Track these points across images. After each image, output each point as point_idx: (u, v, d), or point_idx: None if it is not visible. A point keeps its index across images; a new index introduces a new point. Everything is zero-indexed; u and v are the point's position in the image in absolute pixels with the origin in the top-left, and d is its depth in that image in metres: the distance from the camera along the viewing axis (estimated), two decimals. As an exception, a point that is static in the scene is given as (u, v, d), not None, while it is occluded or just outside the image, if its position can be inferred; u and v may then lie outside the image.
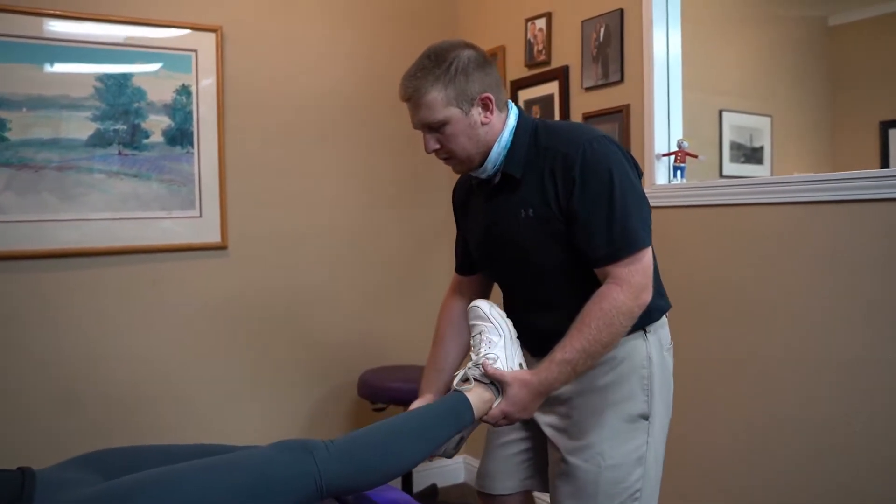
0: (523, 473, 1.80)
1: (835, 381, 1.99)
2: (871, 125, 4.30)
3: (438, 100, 1.54)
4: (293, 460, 1.35)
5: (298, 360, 3.13)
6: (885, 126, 4.26)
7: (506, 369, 1.56)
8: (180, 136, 2.87)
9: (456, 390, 1.56)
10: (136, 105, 2.79)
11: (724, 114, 3.93)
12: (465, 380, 1.57)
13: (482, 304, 1.64)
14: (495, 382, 1.55)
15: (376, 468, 1.43)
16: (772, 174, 4.07)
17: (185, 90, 2.87)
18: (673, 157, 2.46)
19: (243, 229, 2.99)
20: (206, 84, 2.90)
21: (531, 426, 1.75)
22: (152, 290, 2.82)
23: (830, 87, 4.47)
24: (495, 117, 1.59)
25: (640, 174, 1.62)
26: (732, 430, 2.26)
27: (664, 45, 2.49)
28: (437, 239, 3.48)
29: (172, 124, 2.85)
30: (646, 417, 1.61)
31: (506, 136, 1.61)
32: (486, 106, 1.57)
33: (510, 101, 1.67)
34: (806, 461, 2.05)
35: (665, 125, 2.51)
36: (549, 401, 1.62)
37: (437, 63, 1.54)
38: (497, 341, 1.58)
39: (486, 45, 3.24)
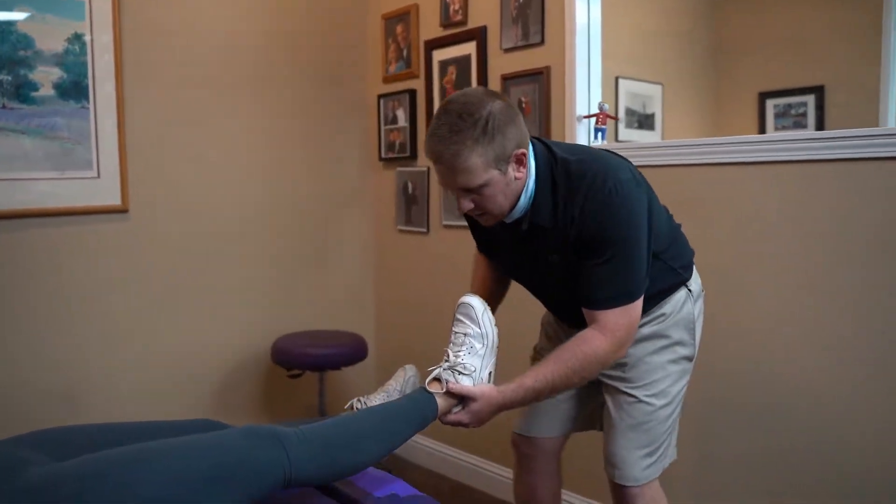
0: (567, 415, 1.91)
1: (744, 325, 2.12)
2: (751, 95, 4.56)
3: (479, 165, 1.48)
4: (265, 450, 1.33)
5: (209, 328, 2.99)
6: (763, 96, 4.53)
7: (475, 381, 1.59)
8: (74, 90, 2.64)
9: (425, 390, 1.59)
10: (21, 54, 2.54)
11: (620, 80, 4.06)
12: (437, 380, 1.60)
13: (476, 306, 1.65)
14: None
15: (344, 463, 1.43)
16: (662, 139, 4.25)
17: (77, 39, 2.63)
18: (594, 119, 2.51)
19: (146, 191, 2.81)
20: (102, 33, 2.67)
21: None
22: (46, 258, 2.60)
23: (716, 58, 4.69)
24: (526, 169, 1.58)
25: (652, 195, 1.65)
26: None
27: (585, 9, 2.52)
28: (349, 203, 3.42)
29: (65, 76, 2.61)
30: (690, 359, 1.79)
31: (531, 184, 1.59)
32: (520, 161, 1.55)
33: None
34: (733, 411, 2.18)
35: (586, 88, 2.55)
36: None
37: (472, 123, 1.47)
38: (479, 349, 1.62)
39: (398, 4, 3.18)
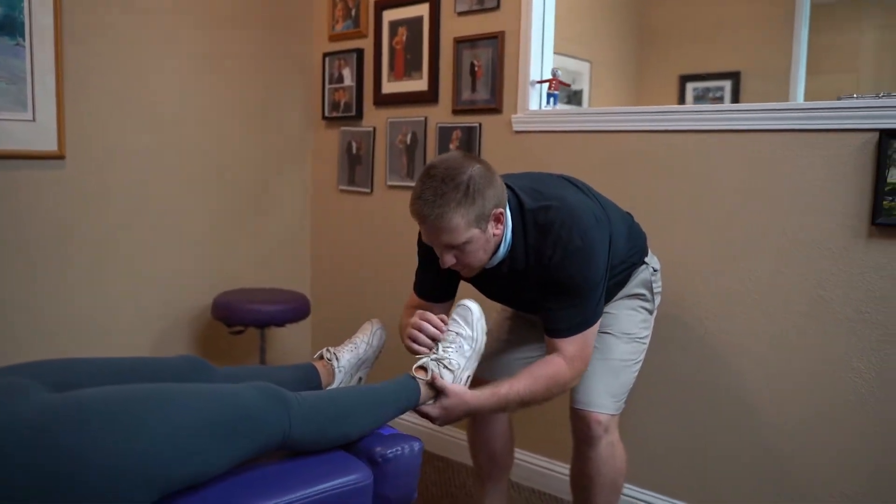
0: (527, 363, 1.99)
1: (697, 284, 2.26)
2: (672, 77, 4.77)
3: (462, 225, 1.62)
4: (274, 409, 1.37)
5: (145, 281, 2.91)
6: (684, 79, 4.75)
7: (455, 379, 1.68)
8: (8, 25, 2.49)
9: (411, 377, 1.65)
10: (-50, -17, 2.39)
11: (554, 56, 4.17)
12: (423, 368, 1.66)
13: (474, 311, 1.75)
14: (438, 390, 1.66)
15: (333, 435, 1.49)
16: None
17: (13, -29, 2.50)
18: (547, 84, 2.59)
19: (84, 137, 2.69)
20: (41, -33, 2.54)
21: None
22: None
23: (641, 40, 4.88)
24: (503, 225, 1.73)
25: (612, 223, 1.83)
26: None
27: (541, -26, 2.59)
28: (289, 161, 3.39)
29: (-2, 10, 2.48)
30: (650, 312, 2.03)
31: (508, 235, 1.76)
32: (497, 219, 1.70)
33: None
34: (682, 372, 2.33)
35: (539, 53, 2.62)
36: None
37: (454, 187, 1.61)
38: (466, 351, 1.71)
39: (350, -39, 3.15)
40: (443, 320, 1.75)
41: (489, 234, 1.69)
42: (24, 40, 2.53)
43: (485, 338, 1.76)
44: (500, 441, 2.19)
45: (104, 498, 1.13)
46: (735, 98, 4.50)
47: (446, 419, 1.67)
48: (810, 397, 2.08)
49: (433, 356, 1.67)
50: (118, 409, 1.20)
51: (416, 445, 1.54)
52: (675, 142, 2.29)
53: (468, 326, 1.72)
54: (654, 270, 2.05)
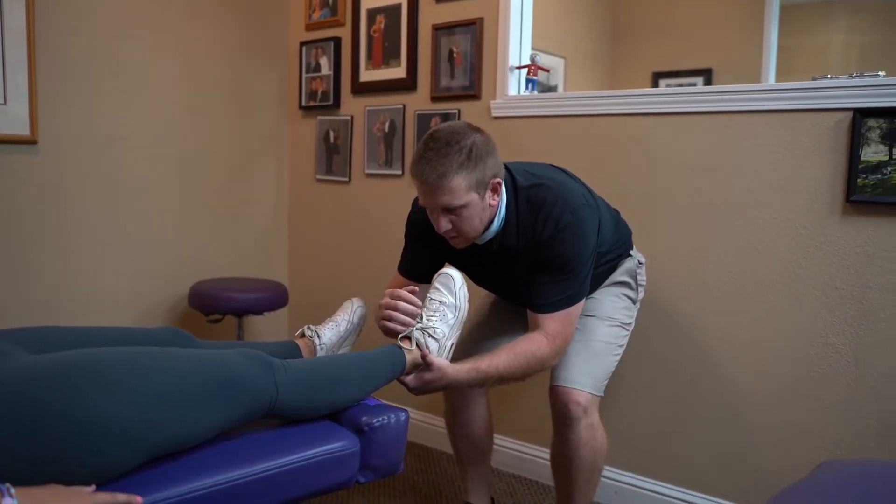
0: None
1: (676, 264, 2.29)
2: (645, 74, 4.83)
3: (462, 187, 1.65)
4: (258, 373, 1.35)
5: (121, 269, 2.87)
6: (657, 76, 4.81)
7: (439, 347, 1.69)
8: (-21, 6, 2.46)
9: (397, 346, 1.64)
10: (-80, -38, 2.34)
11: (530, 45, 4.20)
12: (408, 337, 1.66)
13: (456, 278, 1.76)
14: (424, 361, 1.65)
15: (321, 402, 1.49)
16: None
17: (-16, -50, 2.45)
18: (526, 69, 2.61)
19: (58, 122, 2.65)
20: (14, -53, 2.50)
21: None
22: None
23: (614, 37, 4.94)
24: (500, 197, 1.76)
25: (601, 208, 1.88)
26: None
27: (519, -39, 2.61)
28: (266, 151, 3.37)
29: (-31, -10, 2.43)
30: (634, 301, 2.05)
31: (503, 210, 1.78)
32: (495, 189, 1.73)
33: None
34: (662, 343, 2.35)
35: (518, 39, 2.64)
36: None
37: (457, 150, 1.64)
38: (450, 319, 1.72)
39: (328, -51, 3.15)
40: (412, 292, 1.75)
41: (486, 202, 1.71)
42: (-5, 22, 2.49)
43: (467, 305, 1.77)
44: (479, 425, 2.18)
45: (89, 454, 1.11)
46: (707, 95, 4.56)
47: (423, 390, 1.67)
48: (787, 373, 2.11)
49: (418, 325, 1.67)
50: (103, 369, 1.19)
51: (402, 415, 1.54)
52: (650, 124, 2.32)
53: (451, 294, 1.72)
54: (640, 263, 2.09)
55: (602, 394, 1.91)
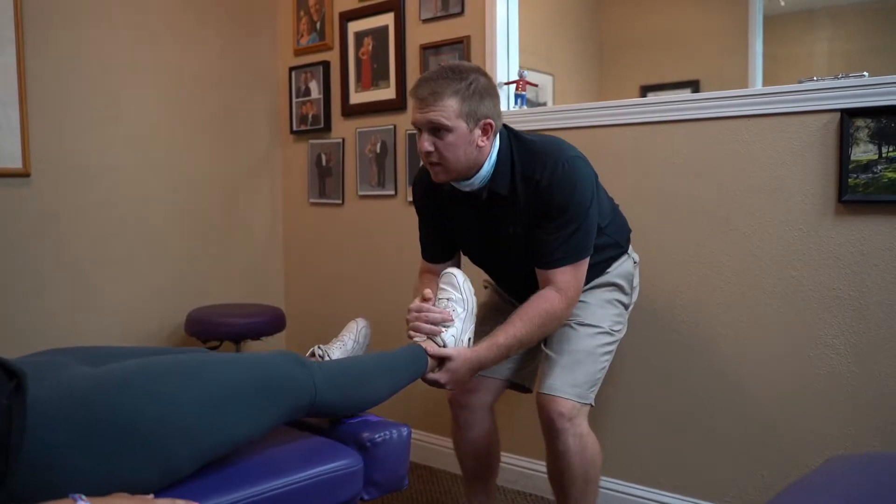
0: (513, 365, 2.03)
1: (672, 271, 2.29)
2: (633, 88, 4.86)
3: (452, 108, 1.68)
4: (297, 372, 1.40)
5: (117, 299, 2.86)
6: (645, 89, 4.85)
7: (456, 341, 1.74)
8: (-30, 42, 2.47)
9: (418, 344, 1.70)
10: None
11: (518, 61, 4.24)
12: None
13: (458, 275, 1.81)
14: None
15: (355, 399, 1.53)
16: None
17: (-27, -13, 2.47)
18: (514, 85, 2.63)
19: (50, 155, 2.66)
20: (2, -17, 2.52)
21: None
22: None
23: (601, 52, 4.98)
24: (489, 143, 1.78)
25: (596, 176, 1.88)
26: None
27: (504, -22, 2.64)
28: (258, 175, 3.37)
29: (-41, 26, 2.45)
30: (626, 306, 2.02)
31: (493, 157, 1.80)
32: (485, 130, 1.75)
33: None
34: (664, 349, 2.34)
35: (505, 56, 2.66)
36: None
37: (459, 78, 1.70)
38: (461, 313, 1.76)
39: (314, -26, 3.18)
40: (426, 299, 1.79)
41: (474, 137, 1.73)
42: (-15, 56, 2.50)
43: (475, 298, 1.81)
44: (485, 441, 2.15)
45: (153, 458, 1.16)
46: (695, 106, 4.60)
47: (456, 381, 1.72)
48: (787, 377, 2.10)
49: None
50: (163, 375, 1.24)
51: (405, 430, 1.53)
52: (640, 134, 2.33)
53: (456, 290, 1.77)
54: (635, 262, 2.08)
55: (590, 402, 1.87)
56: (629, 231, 2.09)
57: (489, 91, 1.74)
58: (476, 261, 2.07)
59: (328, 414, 1.49)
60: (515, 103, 2.65)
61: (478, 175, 1.79)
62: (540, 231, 1.79)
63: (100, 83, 2.80)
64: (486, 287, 2.21)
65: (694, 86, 4.64)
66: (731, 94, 2.15)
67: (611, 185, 2.36)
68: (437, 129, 1.70)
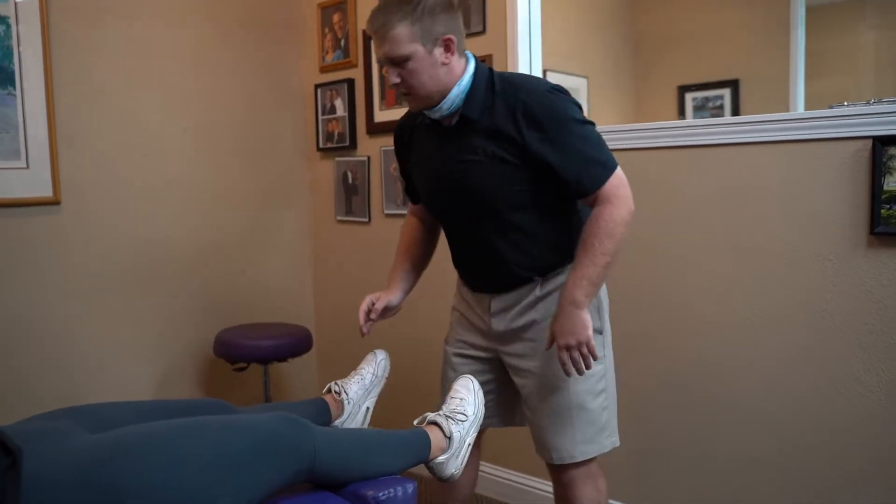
0: (487, 413, 1.88)
1: (705, 301, 2.22)
2: (670, 89, 4.74)
3: (404, 35, 1.60)
4: (298, 436, 1.39)
5: (146, 322, 2.91)
6: (682, 90, 4.72)
7: (468, 427, 1.70)
8: (-1, 76, 2.52)
9: (424, 430, 1.66)
10: (-60, 37, 2.41)
11: (548, 73, 4.16)
12: (435, 423, 1.68)
13: (476, 387, 1.77)
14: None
15: (357, 467, 1.51)
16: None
17: (2, 22, 2.52)
18: (537, 105, 2.57)
19: (79, 182, 2.70)
20: (28, 16, 2.55)
21: (493, 368, 1.89)
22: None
23: (637, 52, 4.86)
24: (455, 60, 1.67)
25: None
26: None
27: (526, -2, 2.59)
28: (286, 194, 3.39)
29: (-12, 62, 2.50)
30: (600, 332, 1.79)
31: (465, 80, 1.69)
32: (447, 47, 1.65)
33: (468, 51, 1.74)
34: (701, 373, 2.29)
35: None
36: (514, 332, 1.79)
37: (406, 2, 1.61)
38: (470, 417, 1.71)
39: (337, -8, 3.17)
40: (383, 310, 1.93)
41: (435, 58, 1.64)
42: (14, 89, 2.55)
43: (483, 409, 1.77)
44: (470, 487, 2.08)
45: None
46: (735, 106, 4.47)
47: (571, 333, 1.63)
48: (817, 414, 2.03)
49: (441, 412, 1.70)
50: (158, 441, 1.24)
51: (410, 487, 1.51)
52: (672, 158, 2.26)
53: (471, 395, 1.74)
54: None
55: (603, 447, 1.80)
56: None
57: (443, 7, 1.64)
58: (429, 204, 1.93)
59: (325, 480, 1.47)
60: (538, 124, 2.60)
61: (448, 99, 1.67)
62: (556, 164, 1.62)
63: (126, 108, 2.83)
64: (453, 311, 2.03)
65: (733, 85, 4.50)
66: (761, 119, 2.07)
67: (639, 210, 2.31)
68: (397, 61, 1.63)
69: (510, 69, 2.59)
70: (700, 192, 2.22)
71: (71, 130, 2.67)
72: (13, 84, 2.54)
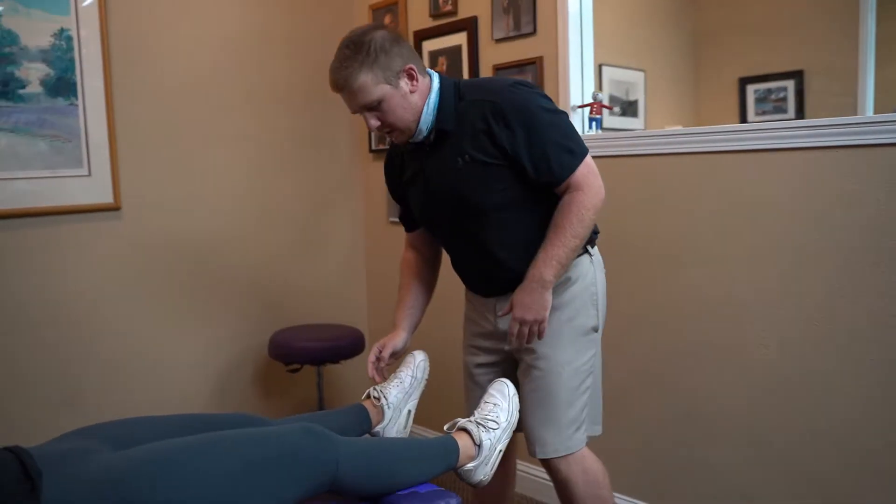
0: None
1: (744, 311, 2.16)
2: (731, 81, 4.61)
3: (368, 82, 1.66)
4: (320, 447, 1.40)
5: (203, 324, 2.98)
6: (744, 82, 4.58)
7: (499, 434, 1.69)
8: (63, 87, 2.60)
9: (452, 437, 1.65)
10: (7, 50, 2.50)
11: (604, 68, 4.08)
12: (464, 430, 1.67)
13: (511, 390, 1.77)
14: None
15: (381, 479, 1.51)
16: (645, 127, 4.29)
17: (64, 34, 2.60)
18: (588, 108, 2.53)
19: (138, 189, 2.78)
20: (88, 27, 2.63)
21: (506, 370, 1.94)
22: (38, 258, 2.57)
23: (696, 44, 4.73)
24: (421, 83, 1.73)
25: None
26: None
27: (577, -1, 2.54)
28: (340, 195, 3.41)
29: (52, 73, 2.58)
30: (596, 329, 1.88)
31: (433, 97, 1.75)
32: (410, 76, 1.71)
33: (428, 69, 1.81)
34: (725, 385, 2.23)
35: (579, 77, 2.57)
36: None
37: (357, 50, 1.66)
38: (503, 424, 1.71)
39: (388, -6, 3.17)
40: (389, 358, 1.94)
41: (403, 90, 1.70)
42: (77, 100, 2.63)
43: (517, 415, 1.76)
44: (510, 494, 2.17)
45: None
46: (799, 98, 4.31)
47: (529, 308, 1.71)
48: (871, 433, 1.95)
49: (472, 419, 1.68)
50: (164, 460, 1.26)
51: (454, 502, 1.51)
52: (730, 163, 2.19)
53: (505, 401, 1.74)
54: (598, 267, 1.91)
55: (586, 437, 1.86)
56: (596, 230, 1.90)
57: (391, 41, 1.69)
58: (423, 219, 1.97)
59: (350, 493, 1.47)
60: (590, 127, 2.56)
61: (422, 121, 1.74)
62: (527, 157, 1.68)
63: (182, 112, 2.90)
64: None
65: (797, 77, 4.34)
66: (824, 123, 1.99)
67: (692, 216, 2.25)
68: (371, 106, 1.69)
69: (561, 68, 2.55)
70: (754, 198, 2.14)
71: (130, 138, 2.75)
72: (75, 94, 2.63)
